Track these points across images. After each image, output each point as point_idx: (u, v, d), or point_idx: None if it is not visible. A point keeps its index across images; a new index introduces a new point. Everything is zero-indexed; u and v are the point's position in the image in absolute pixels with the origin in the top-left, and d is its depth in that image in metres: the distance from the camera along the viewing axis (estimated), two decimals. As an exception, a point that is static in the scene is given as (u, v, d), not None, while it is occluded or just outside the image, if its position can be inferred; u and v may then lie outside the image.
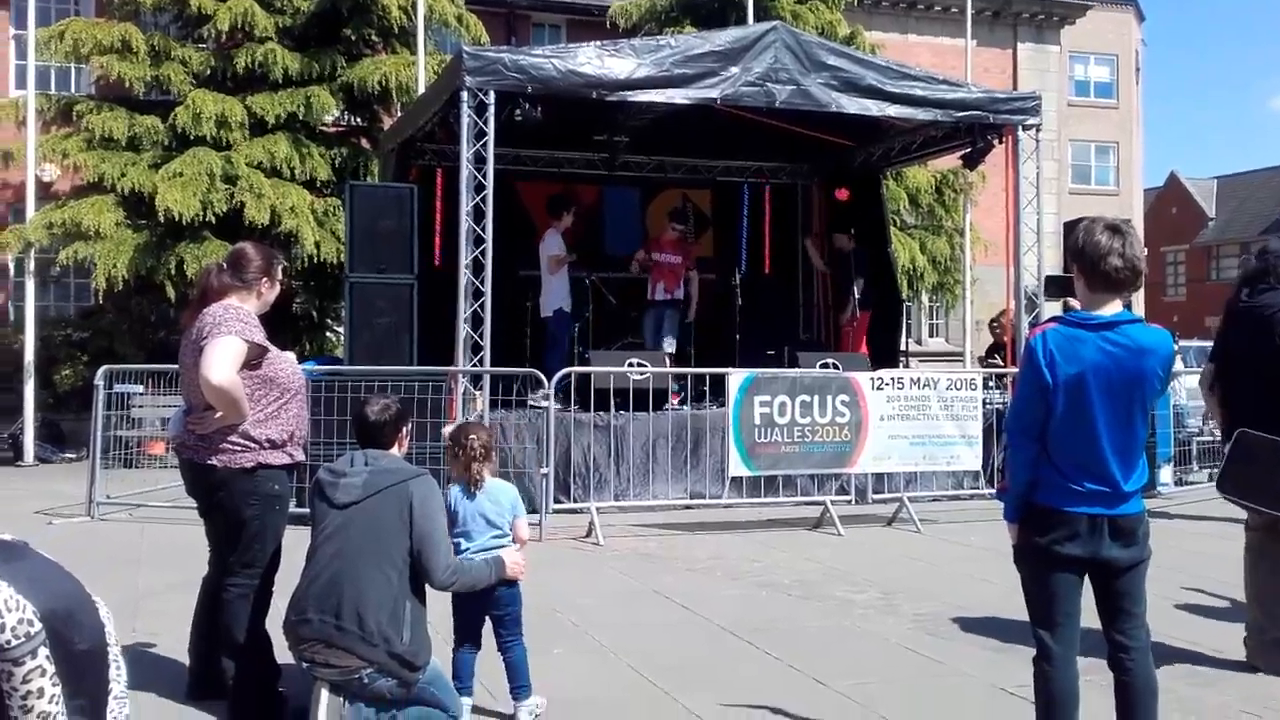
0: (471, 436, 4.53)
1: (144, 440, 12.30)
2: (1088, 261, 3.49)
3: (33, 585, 1.75)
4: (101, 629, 2.64)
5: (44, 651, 2.34)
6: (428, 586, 4.09)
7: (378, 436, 4.23)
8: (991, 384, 11.06)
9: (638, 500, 9.67)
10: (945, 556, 8.28)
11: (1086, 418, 3.46)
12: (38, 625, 2.35)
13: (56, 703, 2.37)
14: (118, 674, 2.72)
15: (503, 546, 4.42)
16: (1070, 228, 11.53)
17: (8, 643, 2.29)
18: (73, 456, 14.28)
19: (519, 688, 4.48)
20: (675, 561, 7.98)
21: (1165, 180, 56.42)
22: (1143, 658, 3.56)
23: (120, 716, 2.68)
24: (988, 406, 10.35)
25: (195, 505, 4.71)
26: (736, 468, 9.39)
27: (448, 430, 4.69)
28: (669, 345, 12.50)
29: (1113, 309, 3.51)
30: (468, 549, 4.37)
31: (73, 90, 17.88)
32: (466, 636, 4.46)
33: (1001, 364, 12.11)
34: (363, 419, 4.25)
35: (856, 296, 12.94)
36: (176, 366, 4.78)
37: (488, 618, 4.47)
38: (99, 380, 10.00)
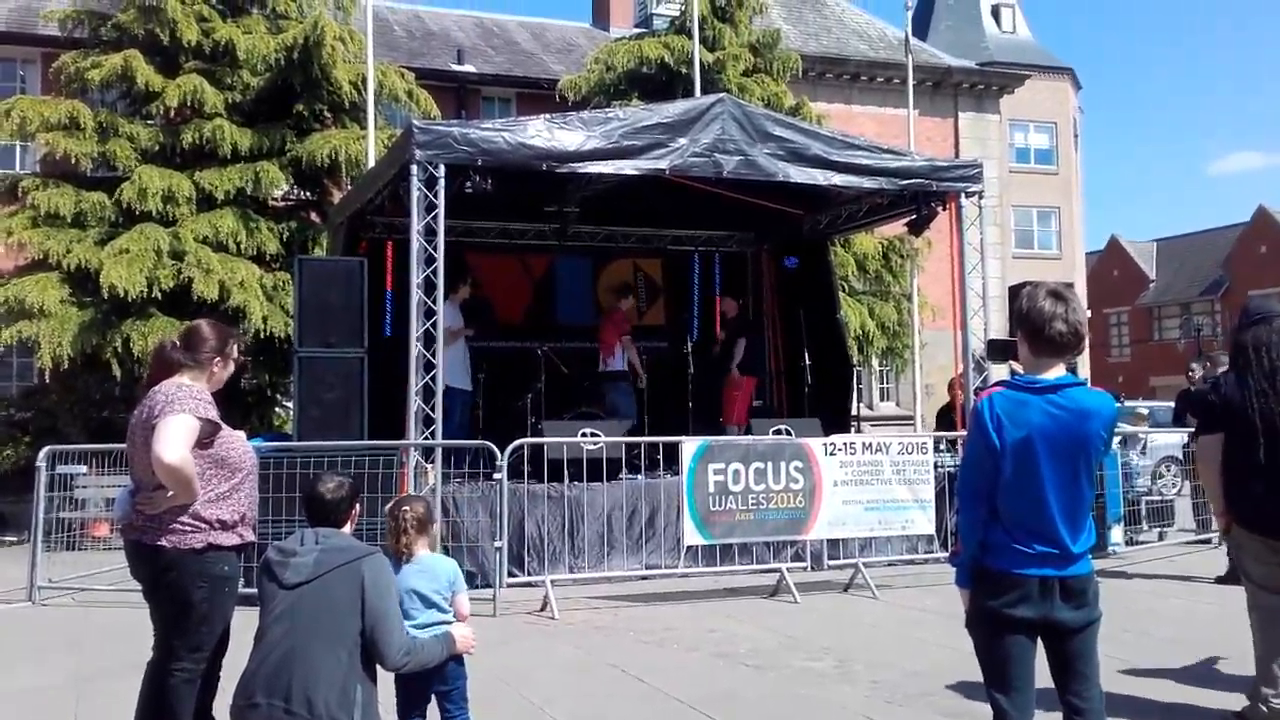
0: (405, 508, 4.48)
1: (87, 522, 12.03)
2: (1031, 327, 3.56)
3: None
4: None
5: None
6: (378, 666, 4.01)
7: (331, 515, 4.16)
8: (943, 447, 11.14)
9: (593, 572, 9.59)
10: (901, 622, 8.27)
11: (1034, 480, 3.50)
12: None
13: None
14: None
15: (444, 624, 4.35)
16: (1014, 292, 11.68)
17: None
18: (13, 540, 13.93)
19: None
20: (631, 634, 7.90)
21: (1106, 243, 57.72)
22: (1097, 719, 3.57)
23: None
24: (940, 470, 10.41)
25: (140, 588, 4.61)
26: (692, 536, 9.35)
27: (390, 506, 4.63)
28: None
29: (1056, 372, 3.57)
30: (408, 625, 4.29)
31: (17, 168, 17.75)
32: (412, 713, 4.38)
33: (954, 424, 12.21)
34: (316, 497, 4.18)
35: (736, 360, 13.14)
36: (122, 446, 4.71)
37: (433, 694, 4.39)
38: (41, 461, 9.81)
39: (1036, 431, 3.50)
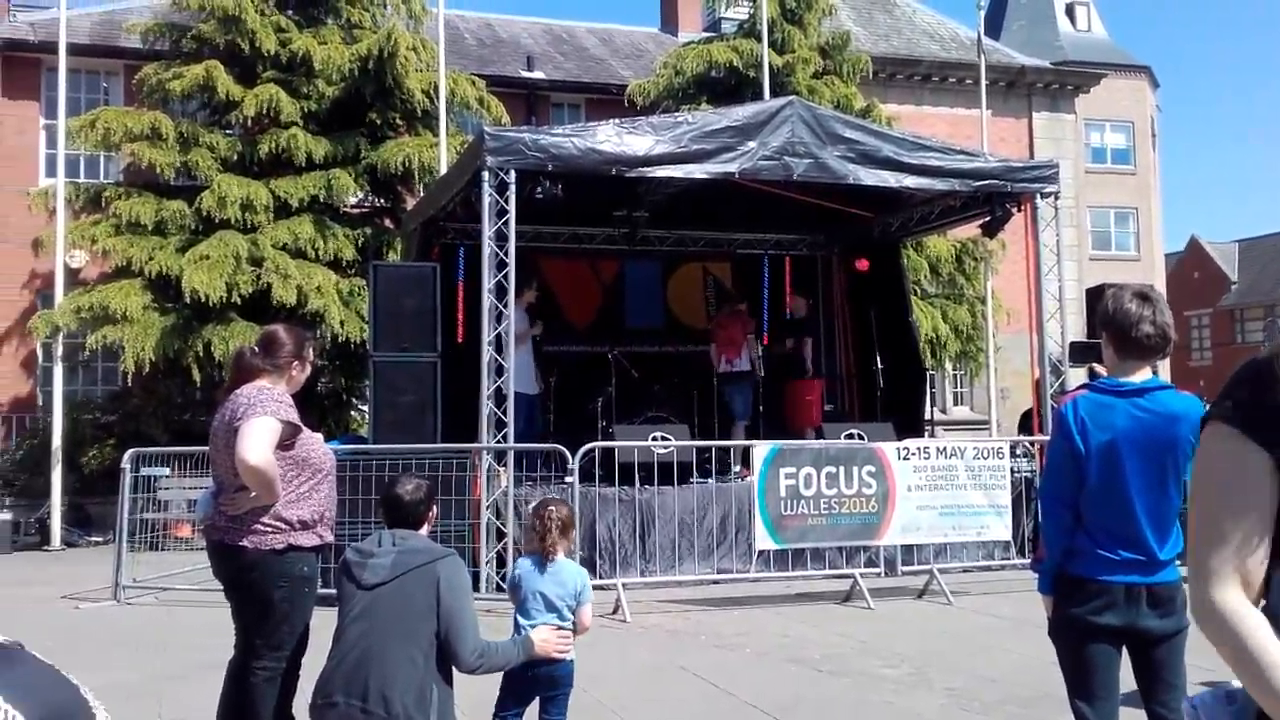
0: (550, 509, 4.53)
1: (170, 523, 12.32)
2: (1118, 329, 3.48)
3: (27, 693, 1.63)
4: None
5: None
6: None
7: (409, 516, 4.21)
8: (1019, 452, 10.97)
9: (664, 575, 9.59)
10: (977, 629, 8.16)
11: (1119, 485, 3.43)
12: None
13: None
14: None
15: (565, 628, 4.37)
16: (1094, 295, 11.52)
17: None
18: (99, 540, 14.30)
19: None
20: (702, 637, 7.89)
21: (1186, 244, 56.43)
22: (1185, 731, 3.48)
23: None
24: (1016, 475, 10.24)
25: (221, 588, 4.69)
26: (763, 541, 9.31)
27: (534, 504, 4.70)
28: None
29: (1142, 375, 3.49)
30: (525, 625, 4.33)
31: (100, 177, 18.23)
32: (511, 709, 4.40)
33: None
34: (395, 499, 4.23)
35: (809, 362, 12.96)
36: (203, 448, 4.80)
37: (538, 697, 4.41)
38: (126, 463, 10.05)
39: (1122, 436, 3.42)
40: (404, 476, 4.43)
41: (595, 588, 9.04)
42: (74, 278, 16.38)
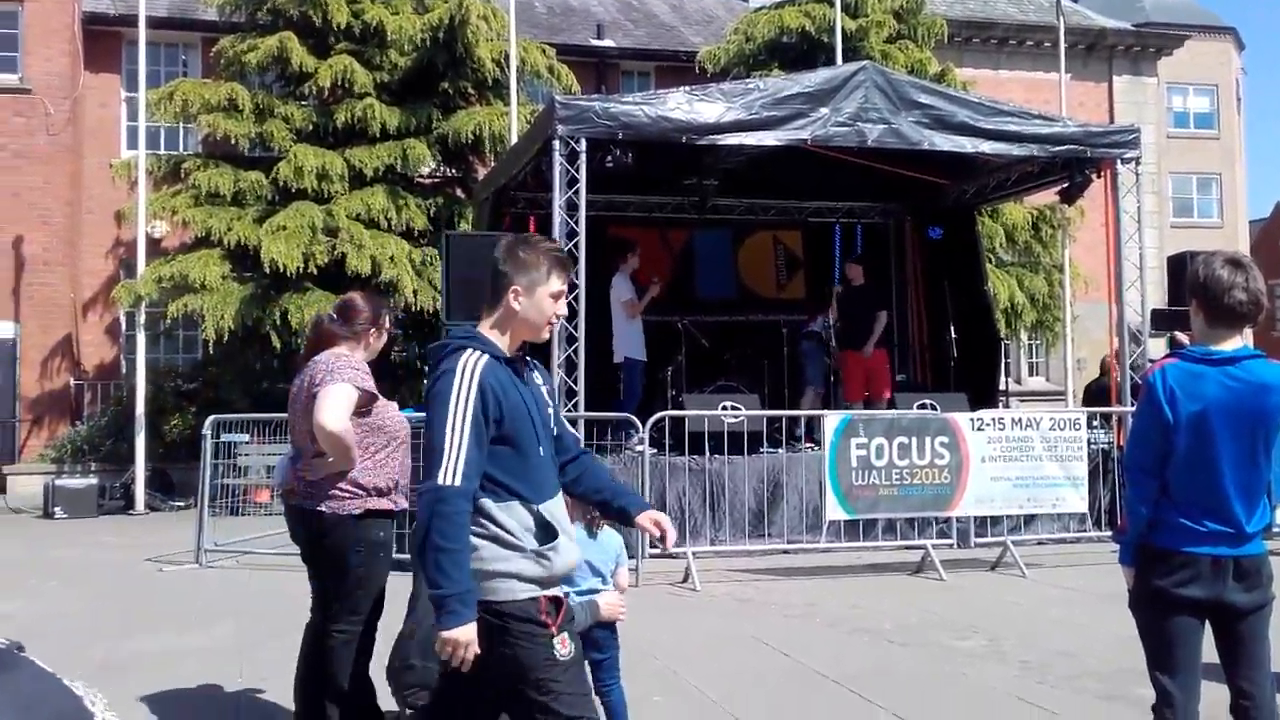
0: None
1: (250, 488, 12.59)
2: (1209, 296, 3.39)
3: (18, 706, 1.40)
4: None
5: None
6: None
7: None
8: (1096, 423, 10.77)
9: (734, 545, 9.59)
10: (1052, 601, 8.05)
11: (1209, 456, 3.36)
12: None
13: None
14: None
15: (601, 592, 4.42)
16: (1176, 263, 11.24)
17: None
18: (181, 505, 14.66)
19: None
20: (772, 607, 7.88)
21: (1271, 211, 54.76)
22: (1267, 706, 3.42)
23: None
24: (1093, 446, 10.06)
25: (299, 552, 4.78)
26: (834, 511, 9.26)
27: None
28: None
29: (1233, 344, 3.41)
30: (567, 593, 4.37)
31: (180, 149, 18.56)
32: None
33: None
34: None
35: (875, 337, 12.52)
36: (282, 415, 4.88)
37: (586, 662, 4.45)
38: (206, 430, 10.28)
39: (1213, 405, 3.34)
40: None
41: (665, 556, 9.17)
42: (155, 248, 16.72)
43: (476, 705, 3.17)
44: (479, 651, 2.91)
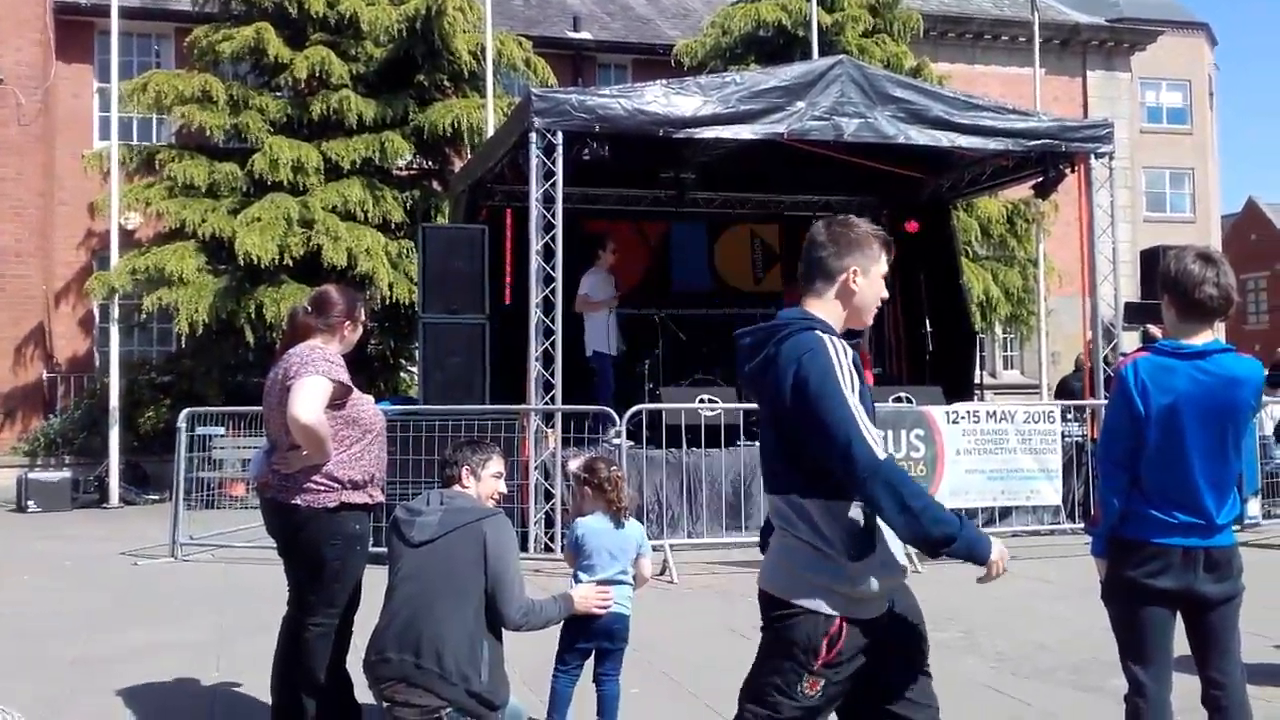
0: (613, 468, 4.63)
1: (225, 481, 12.53)
2: (1180, 290, 3.43)
3: None
4: None
5: None
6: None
7: (448, 475, 4.28)
8: (1070, 416, 10.85)
9: (712, 537, 9.62)
10: (1027, 594, 8.10)
11: (1179, 448, 3.40)
12: None
13: None
14: None
15: (624, 583, 4.46)
16: (1149, 257, 11.34)
17: None
18: (156, 498, 14.59)
19: None
20: (750, 599, 7.84)
21: (1243, 206, 55.28)
22: (1238, 695, 3.46)
23: None
24: (1067, 440, 10.14)
25: (275, 545, 4.77)
26: (810, 504, 9.27)
27: (574, 465, 4.77)
28: None
29: (1204, 338, 3.44)
30: (586, 581, 4.41)
31: (153, 140, 18.42)
32: (572, 667, 4.47)
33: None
34: (441, 460, 4.31)
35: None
36: (257, 408, 4.86)
37: (593, 650, 4.49)
38: (181, 423, 10.21)
39: (1183, 398, 3.38)
40: (459, 442, 4.49)
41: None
42: (129, 239, 16.61)
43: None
44: None
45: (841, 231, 3.01)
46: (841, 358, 2.81)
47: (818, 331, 2.87)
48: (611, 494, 4.52)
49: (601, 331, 11.71)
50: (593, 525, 4.51)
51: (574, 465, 4.79)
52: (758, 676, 3.04)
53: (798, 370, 2.81)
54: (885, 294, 3.07)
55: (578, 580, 4.44)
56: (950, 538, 2.78)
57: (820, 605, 2.85)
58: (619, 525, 4.50)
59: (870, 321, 3.13)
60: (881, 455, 2.73)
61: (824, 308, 2.98)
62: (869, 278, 3.00)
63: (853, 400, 2.77)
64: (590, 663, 4.51)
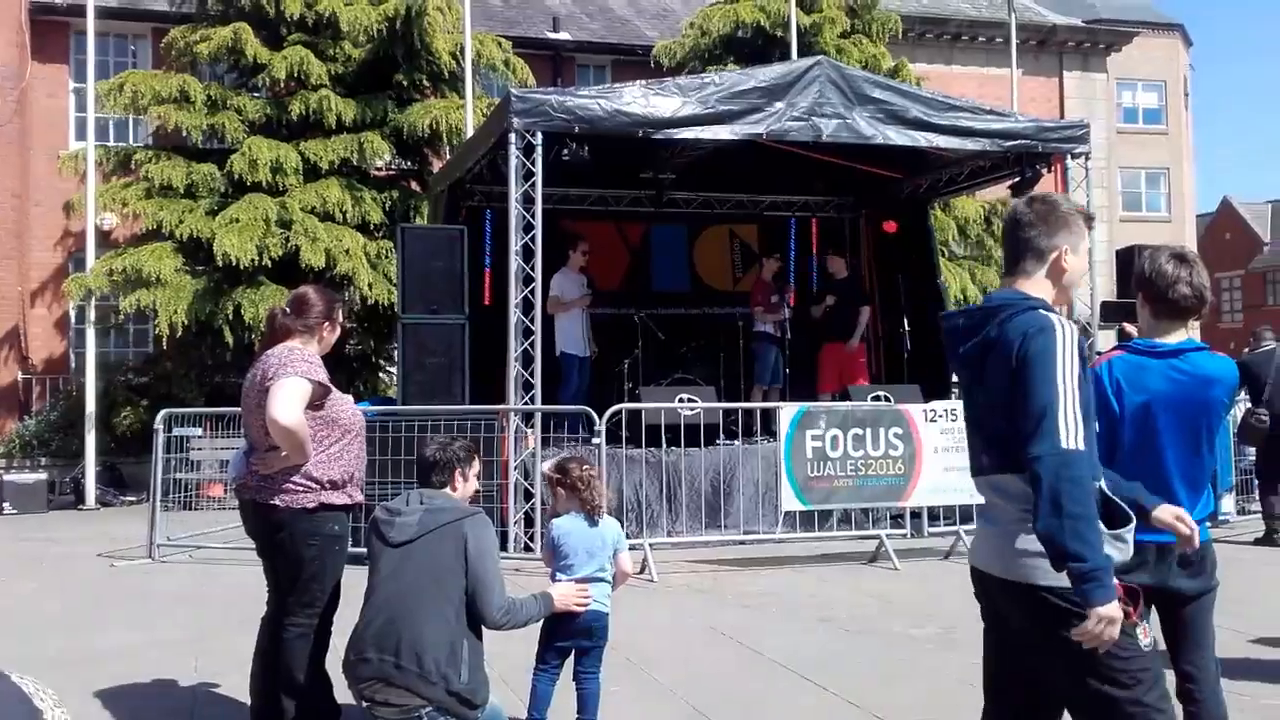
0: (586, 467, 4.63)
1: (203, 483, 12.47)
2: (1154, 290, 3.47)
3: None
4: None
5: None
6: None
7: (433, 476, 4.27)
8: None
9: (691, 536, 9.64)
10: (1004, 590, 8.16)
11: (1154, 446, 3.44)
12: None
13: None
14: None
15: (603, 580, 4.48)
16: (1126, 255, 11.41)
17: None
18: (133, 499, 14.51)
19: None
20: (730, 597, 7.94)
21: (1218, 206, 55.77)
22: (1212, 688, 3.50)
23: None
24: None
25: (254, 546, 4.76)
26: (789, 502, 9.34)
27: (546, 466, 4.79)
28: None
29: (1177, 337, 3.48)
30: (564, 581, 4.43)
31: (130, 141, 18.31)
32: (552, 665, 4.48)
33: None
34: (420, 459, 4.32)
35: (860, 330, 12.90)
36: (235, 409, 4.86)
37: (575, 649, 4.50)
38: (159, 424, 10.17)
39: (1158, 397, 3.42)
40: (434, 437, 4.49)
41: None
42: (105, 240, 16.51)
43: (1038, 701, 3.03)
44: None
45: (1047, 210, 3.00)
46: (1067, 340, 2.77)
47: (1042, 311, 2.86)
48: (585, 493, 4.54)
49: (572, 332, 11.70)
50: (568, 525, 4.53)
51: (546, 466, 4.81)
52: (1087, 669, 2.79)
53: (1021, 347, 2.79)
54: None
55: (556, 580, 4.45)
56: (1079, 558, 2.60)
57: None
58: (593, 524, 4.52)
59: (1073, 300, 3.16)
60: (1069, 446, 2.65)
61: (1036, 287, 2.96)
62: (1078, 255, 3.01)
63: (1066, 383, 2.72)
64: (570, 661, 4.53)
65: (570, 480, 4.57)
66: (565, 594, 4.42)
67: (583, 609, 4.44)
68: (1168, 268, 3.45)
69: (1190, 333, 3.60)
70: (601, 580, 4.50)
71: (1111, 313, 11.49)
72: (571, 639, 4.45)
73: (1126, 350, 3.55)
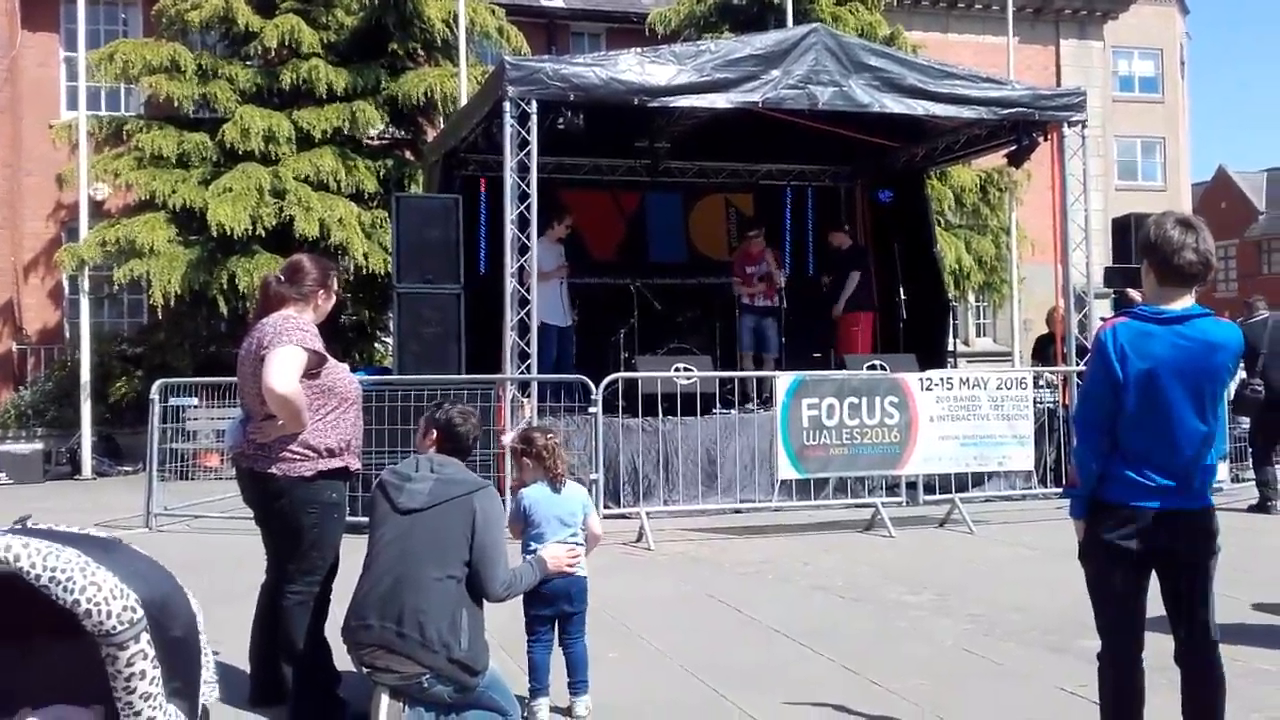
0: (549, 435, 4.65)
1: (199, 452, 12.47)
2: (1159, 256, 3.45)
3: (133, 576, 1.89)
4: (193, 618, 2.84)
5: (145, 637, 2.48)
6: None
7: (462, 446, 4.40)
8: (1042, 383, 10.94)
9: (687, 505, 9.67)
10: (999, 558, 8.21)
11: (1158, 412, 3.43)
12: (140, 612, 2.48)
13: (156, 684, 2.50)
14: (206, 660, 2.91)
15: (576, 545, 4.51)
16: (1122, 224, 11.40)
17: (114, 628, 2.43)
18: (129, 470, 14.52)
19: (579, 682, 4.53)
20: (726, 565, 7.97)
21: (1213, 174, 55.67)
22: (1211, 654, 3.52)
23: (210, 699, 2.88)
24: (1039, 405, 10.23)
25: (251, 515, 4.76)
26: (785, 471, 9.37)
27: (508, 439, 4.82)
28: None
29: (1183, 303, 3.47)
30: (537, 550, 4.44)
31: (122, 110, 18.19)
32: (542, 635, 4.51)
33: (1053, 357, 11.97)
34: (450, 428, 4.40)
35: (847, 295, 12.85)
36: (230, 379, 4.85)
37: (558, 617, 4.53)
38: (154, 394, 10.16)
39: (1162, 363, 3.41)
40: (458, 405, 4.53)
41: (618, 517, 9.22)
42: (98, 210, 16.43)
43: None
44: None
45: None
46: None
47: None
48: (549, 461, 4.56)
49: (550, 302, 11.58)
50: (536, 494, 4.55)
51: (508, 438, 4.85)
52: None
53: None
54: None
55: (528, 550, 4.46)
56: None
57: None
58: (556, 490, 4.54)
59: None
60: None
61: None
62: None
63: None
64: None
65: (535, 450, 4.59)
66: (556, 555, 4.44)
67: (572, 569, 4.46)
68: (1173, 234, 3.43)
69: (1194, 299, 3.60)
70: (575, 544, 4.53)
71: (1115, 277, 11.51)
72: (552, 607, 4.48)
73: (1131, 316, 3.54)
